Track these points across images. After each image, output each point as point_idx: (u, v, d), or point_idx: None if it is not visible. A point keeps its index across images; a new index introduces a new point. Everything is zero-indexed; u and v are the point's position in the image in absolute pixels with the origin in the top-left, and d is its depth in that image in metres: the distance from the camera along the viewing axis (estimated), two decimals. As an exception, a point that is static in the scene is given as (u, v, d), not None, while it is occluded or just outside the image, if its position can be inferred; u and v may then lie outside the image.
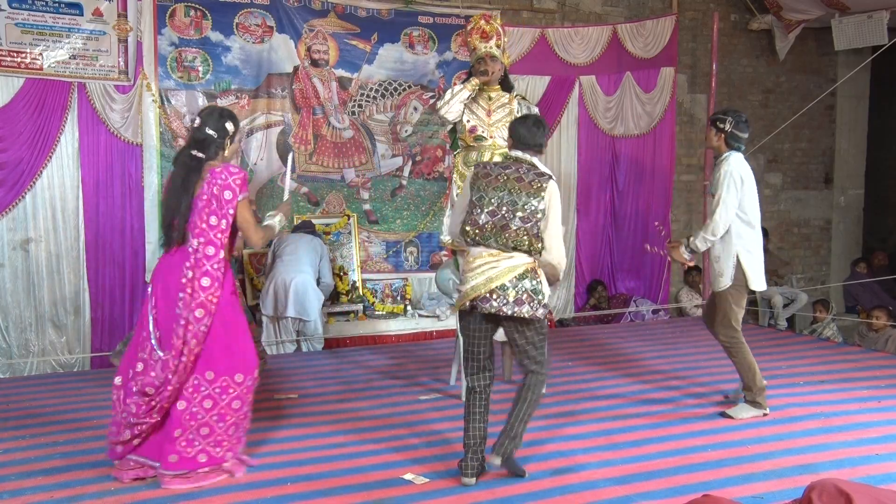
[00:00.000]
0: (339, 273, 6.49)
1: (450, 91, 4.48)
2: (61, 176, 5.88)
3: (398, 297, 6.77)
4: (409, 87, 6.84)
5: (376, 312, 6.63)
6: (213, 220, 3.23)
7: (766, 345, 5.81)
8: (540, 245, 3.28)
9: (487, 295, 3.21)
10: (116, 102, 5.96)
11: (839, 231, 8.99)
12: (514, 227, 3.25)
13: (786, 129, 7.95)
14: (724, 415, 4.12)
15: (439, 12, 6.87)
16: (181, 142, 6.14)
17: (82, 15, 5.82)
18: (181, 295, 3.21)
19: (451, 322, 6.08)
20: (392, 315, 6.62)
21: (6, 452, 3.72)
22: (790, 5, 7.59)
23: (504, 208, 3.27)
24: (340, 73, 6.63)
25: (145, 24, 6.00)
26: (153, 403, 3.26)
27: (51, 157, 5.81)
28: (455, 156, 4.72)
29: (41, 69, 5.73)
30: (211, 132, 3.32)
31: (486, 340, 3.37)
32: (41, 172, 5.80)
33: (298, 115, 6.54)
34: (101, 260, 5.99)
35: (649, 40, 7.28)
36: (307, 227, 6.24)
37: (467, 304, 3.28)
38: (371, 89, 6.74)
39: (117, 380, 3.41)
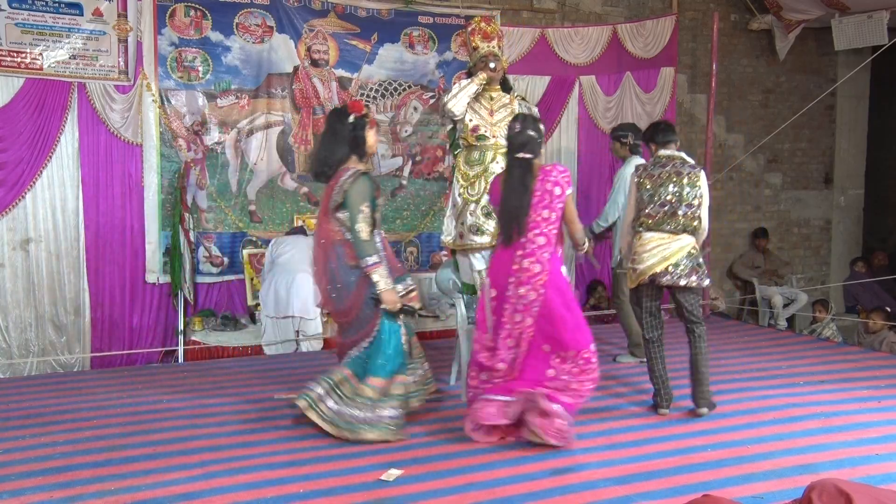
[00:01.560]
0: (339, 273, 6.48)
1: (457, 85, 4.49)
2: (61, 176, 5.88)
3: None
4: (409, 87, 6.84)
5: (376, 312, 6.62)
6: (545, 213, 3.71)
7: (766, 345, 5.82)
8: (697, 223, 4.10)
9: (663, 270, 4.04)
10: (116, 102, 5.96)
11: (839, 231, 8.99)
12: (681, 214, 4.08)
13: (786, 129, 7.95)
14: (615, 359, 5.40)
15: (439, 12, 6.87)
16: (181, 142, 6.15)
17: (82, 15, 5.82)
18: (511, 279, 3.70)
19: (451, 322, 6.08)
20: (392, 315, 6.60)
21: (6, 452, 3.72)
22: (790, 5, 7.59)
23: (673, 199, 4.08)
24: (340, 73, 6.63)
25: (145, 24, 6.01)
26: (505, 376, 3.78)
27: (51, 156, 5.82)
28: (455, 156, 4.72)
29: (41, 69, 5.73)
30: (532, 133, 3.79)
31: (657, 302, 4.25)
32: (41, 172, 5.80)
33: (298, 115, 6.54)
34: (101, 260, 5.99)
35: (649, 40, 7.28)
36: (300, 232, 6.27)
37: (646, 278, 4.09)
38: (371, 89, 6.74)
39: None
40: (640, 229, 4.15)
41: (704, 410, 4.11)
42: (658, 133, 4.40)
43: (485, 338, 3.83)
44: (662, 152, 4.28)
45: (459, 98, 4.43)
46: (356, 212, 3.73)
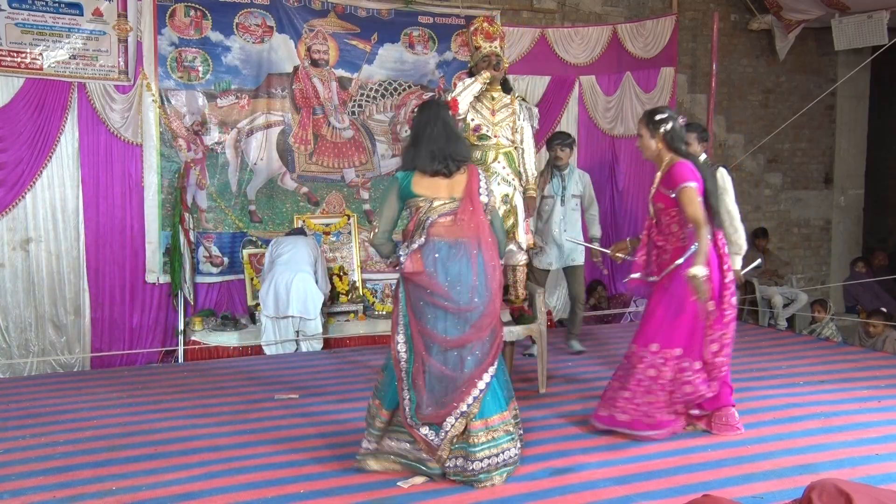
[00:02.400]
0: (339, 273, 6.49)
1: (461, 83, 4.49)
2: (61, 176, 5.88)
3: (398, 297, 6.76)
4: (409, 87, 6.84)
5: (376, 312, 6.63)
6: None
7: (766, 345, 5.81)
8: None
9: None
10: (116, 102, 5.96)
11: (839, 231, 8.99)
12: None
13: (786, 129, 7.95)
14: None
15: (439, 12, 6.87)
16: (181, 142, 6.15)
17: (82, 15, 5.82)
18: (726, 280, 3.73)
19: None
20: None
21: (6, 452, 3.72)
22: (790, 5, 7.59)
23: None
24: (340, 73, 6.63)
25: (145, 24, 6.01)
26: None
27: (51, 157, 5.82)
28: None
29: (41, 69, 5.73)
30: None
31: None
32: (41, 172, 5.80)
33: (298, 115, 6.54)
34: (101, 260, 5.99)
35: (649, 40, 7.29)
36: (300, 232, 6.27)
37: None
38: (371, 89, 6.74)
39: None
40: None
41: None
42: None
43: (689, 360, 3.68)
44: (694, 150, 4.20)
45: (464, 96, 4.43)
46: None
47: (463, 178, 3.35)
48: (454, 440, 3.22)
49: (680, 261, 3.59)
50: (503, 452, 3.27)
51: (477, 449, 3.21)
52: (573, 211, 5.58)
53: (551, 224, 5.51)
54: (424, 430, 3.22)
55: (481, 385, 3.24)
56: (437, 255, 3.25)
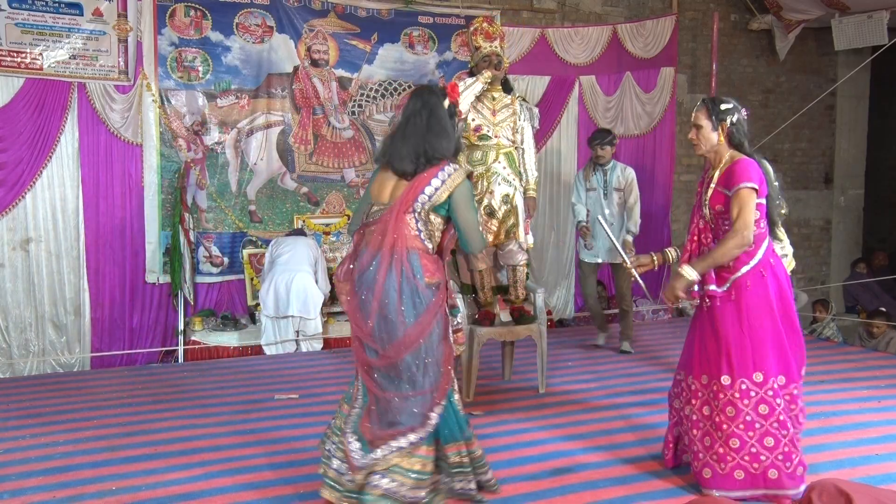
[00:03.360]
0: (339, 273, 6.48)
1: (462, 83, 4.49)
2: (61, 176, 5.88)
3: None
4: (409, 87, 6.84)
5: (376, 312, 6.61)
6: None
7: (766, 345, 5.81)
8: None
9: None
10: (116, 102, 5.96)
11: (839, 231, 8.99)
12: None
13: (786, 129, 7.95)
14: None
15: (439, 12, 6.87)
16: (181, 142, 6.15)
17: (82, 15, 5.82)
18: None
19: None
20: (392, 315, 6.60)
21: (6, 452, 3.72)
22: (790, 5, 7.59)
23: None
24: (340, 73, 6.63)
25: (145, 24, 6.01)
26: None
27: (51, 157, 5.82)
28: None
29: (41, 69, 5.73)
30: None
31: None
32: (41, 172, 5.80)
33: (298, 115, 6.54)
34: (101, 260, 5.99)
35: (649, 40, 7.28)
36: (300, 233, 6.28)
37: None
38: (371, 89, 6.74)
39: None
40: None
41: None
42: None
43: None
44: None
45: (465, 96, 4.43)
46: (475, 213, 2.98)
47: (413, 182, 2.84)
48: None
49: (746, 268, 3.11)
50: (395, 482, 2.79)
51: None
52: (618, 205, 5.60)
53: (596, 217, 5.53)
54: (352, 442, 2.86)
55: (412, 437, 2.78)
56: (352, 266, 2.94)
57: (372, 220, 2.91)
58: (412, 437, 2.77)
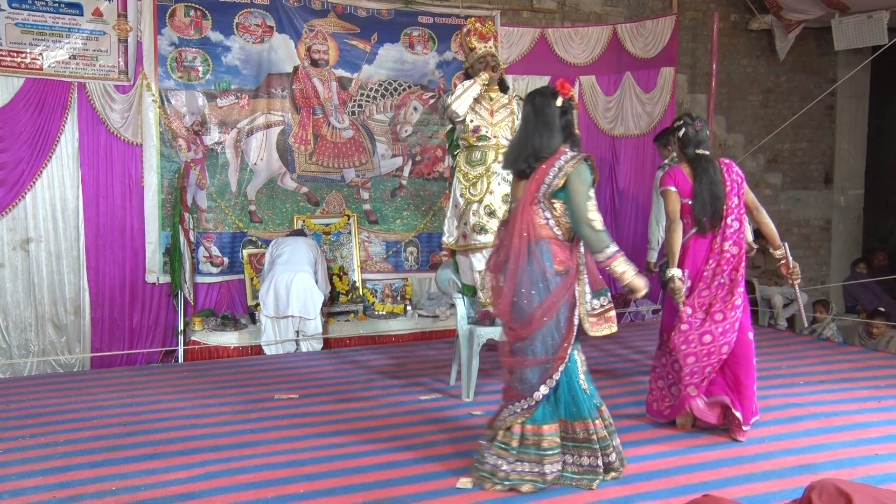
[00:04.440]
0: (339, 273, 6.49)
1: (461, 86, 4.49)
2: (61, 176, 5.89)
3: (398, 297, 6.78)
4: (409, 87, 6.84)
5: (376, 312, 6.63)
6: (735, 201, 3.85)
7: (765, 345, 5.81)
8: None
9: None
10: (116, 102, 5.96)
11: (839, 231, 8.99)
12: None
13: (786, 129, 7.96)
14: None
15: (439, 12, 6.87)
16: (181, 142, 6.15)
17: (82, 15, 5.82)
18: (710, 263, 3.82)
19: (451, 322, 6.07)
20: (392, 315, 6.62)
21: (6, 452, 3.72)
22: (790, 5, 7.59)
23: None
24: (340, 73, 6.63)
25: (145, 24, 6.01)
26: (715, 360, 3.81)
27: (51, 157, 5.82)
28: (455, 156, 4.72)
29: (41, 69, 5.74)
30: (708, 132, 3.94)
31: None
32: (41, 172, 5.81)
33: (298, 115, 6.54)
34: (101, 260, 5.99)
35: (649, 40, 7.29)
36: (300, 233, 6.28)
37: None
38: (371, 89, 6.74)
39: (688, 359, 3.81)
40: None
41: None
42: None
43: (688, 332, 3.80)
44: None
45: (464, 98, 4.43)
46: (586, 199, 3.09)
47: (531, 181, 3.15)
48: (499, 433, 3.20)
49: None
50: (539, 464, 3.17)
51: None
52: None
53: (651, 218, 5.54)
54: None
55: (537, 396, 3.14)
56: (492, 259, 3.30)
57: (508, 218, 3.29)
58: (523, 403, 3.15)
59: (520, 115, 4.56)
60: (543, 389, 3.14)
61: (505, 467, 3.17)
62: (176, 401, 4.58)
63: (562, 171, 3.09)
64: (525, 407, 3.15)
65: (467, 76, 4.62)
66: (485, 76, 4.45)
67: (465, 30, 4.63)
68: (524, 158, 3.18)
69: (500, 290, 3.20)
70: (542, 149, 3.14)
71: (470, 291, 4.69)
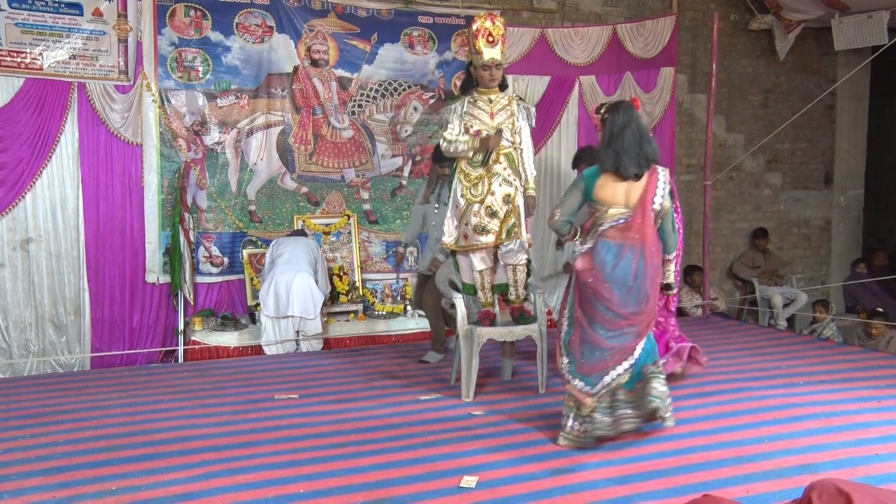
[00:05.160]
0: (339, 273, 6.49)
1: (457, 141, 4.46)
2: (61, 176, 5.89)
3: (398, 297, 6.78)
4: (409, 87, 6.84)
5: (376, 312, 6.63)
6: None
7: (766, 345, 5.81)
8: None
9: None
10: (116, 102, 5.96)
11: (839, 231, 8.99)
12: None
13: (786, 129, 7.95)
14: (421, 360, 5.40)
15: (439, 12, 6.87)
16: (181, 142, 6.16)
17: (82, 15, 5.82)
18: None
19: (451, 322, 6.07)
20: (392, 315, 6.62)
21: (6, 452, 3.72)
22: (790, 5, 7.59)
23: None
24: (340, 73, 6.63)
25: (145, 24, 6.01)
26: None
27: (51, 157, 5.82)
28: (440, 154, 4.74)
29: (41, 69, 5.74)
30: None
31: None
32: (41, 172, 5.81)
33: (298, 115, 6.54)
34: (101, 260, 5.99)
35: (649, 40, 7.28)
36: (300, 233, 6.28)
37: None
38: (371, 89, 6.74)
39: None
40: None
41: None
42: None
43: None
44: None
45: (454, 151, 4.49)
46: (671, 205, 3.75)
47: (642, 184, 3.64)
48: (604, 396, 3.66)
49: None
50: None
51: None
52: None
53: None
54: (578, 383, 3.69)
55: (631, 359, 3.67)
56: (604, 257, 3.64)
57: (622, 222, 3.64)
58: (626, 364, 3.65)
59: (520, 116, 4.56)
60: (640, 348, 3.73)
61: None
62: (176, 401, 4.58)
63: (666, 196, 3.67)
64: (627, 367, 3.68)
65: (468, 74, 4.60)
66: (474, 154, 4.46)
67: (473, 27, 4.42)
68: (637, 162, 3.62)
69: (609, 281, 3.62)
70: (653, 153, 3.65)
71: (470, 291, 4.69)
